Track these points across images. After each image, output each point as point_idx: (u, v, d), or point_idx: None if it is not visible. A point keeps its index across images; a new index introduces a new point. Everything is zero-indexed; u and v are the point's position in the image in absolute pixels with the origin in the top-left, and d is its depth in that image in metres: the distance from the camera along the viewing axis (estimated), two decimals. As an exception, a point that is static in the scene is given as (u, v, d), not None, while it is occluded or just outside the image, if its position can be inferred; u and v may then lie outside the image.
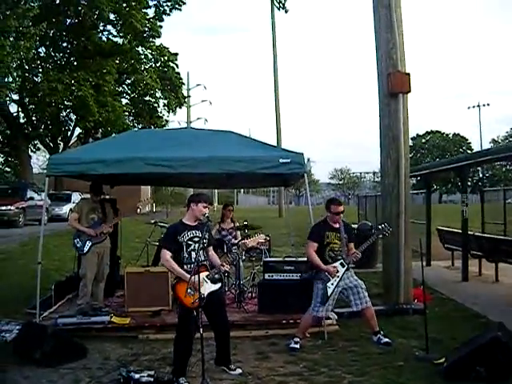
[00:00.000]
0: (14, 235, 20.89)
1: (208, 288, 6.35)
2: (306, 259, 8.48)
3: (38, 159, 57.07)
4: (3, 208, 24.41)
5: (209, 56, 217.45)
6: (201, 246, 6.47)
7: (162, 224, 11.74)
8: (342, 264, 7.63)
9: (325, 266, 7.56)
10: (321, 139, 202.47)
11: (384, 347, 7.49)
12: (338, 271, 7.58)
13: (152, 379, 6.10)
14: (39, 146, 41.99)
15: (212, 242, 6.87)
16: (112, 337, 8.08)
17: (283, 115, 53.69)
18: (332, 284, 7.55)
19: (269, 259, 10.01)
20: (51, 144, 39.91)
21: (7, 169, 45.49)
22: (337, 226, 7.79)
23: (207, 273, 6.45)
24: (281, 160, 8.42)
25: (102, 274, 9.24)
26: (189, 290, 6.19)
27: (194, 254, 6.41)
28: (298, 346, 7.52)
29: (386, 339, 7.66)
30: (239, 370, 6.57)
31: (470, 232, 13.19)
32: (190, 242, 6.50)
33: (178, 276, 6.39)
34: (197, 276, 6.13)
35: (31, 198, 26.46)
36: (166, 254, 6.48)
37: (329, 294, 7.52)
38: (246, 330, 8.30)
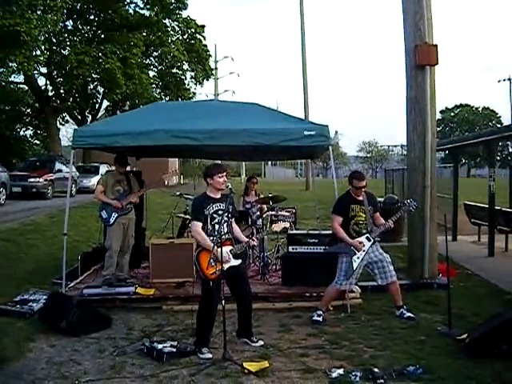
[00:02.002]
0: (43, 207, 21.12)
1: (229, 262, 6.42)
2: (330, 232, 8.45)
3: (67, 132, 57.79)
4: (32, 180, 24.63)
5: (237, 28, 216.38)
6: (224, 218, 6.47)
7: (187, 196, 11.75)
8: (367, 238, 7.60)
9: (351, 240, 7.56)
10: (350, 112, 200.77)
11: (407, 322, 7.48)
12: (364, 245, 7.58)
13: (174, 349, 6.16)
14: (68, 118, 42.42)
15: (234, 214, 6.84)
16: (136, 307, 8.19)
17: (311, 87, 53.61)
18: (358, 258, 7.53)
19: (293, 232, 9.97)
20: (79, 117, 40.33)
21: (36, 141, 45.89)
22: (360, 198, 7.73)
23: (231, 247, 6.49)
24: (305, 132, 8.36)
25: (127, 245, 9.32)
26: (211, 261, 6.24)
27: (217, 227, 6.41)
28: (320, 318, 7.55)
29: (409, 314, 7.64)
30: (261, 342, 6.61)
31: (497, 207, 13.04)
32: (214, 215, 6.49)
33: (203, 246, 6.39)
34: (220, 248, 6.16)
35: (59, 171, 26.63)
36: (198, 226, 6.44)
37: (354, 268, 7.52)
38: (270, 302, 8.35)
